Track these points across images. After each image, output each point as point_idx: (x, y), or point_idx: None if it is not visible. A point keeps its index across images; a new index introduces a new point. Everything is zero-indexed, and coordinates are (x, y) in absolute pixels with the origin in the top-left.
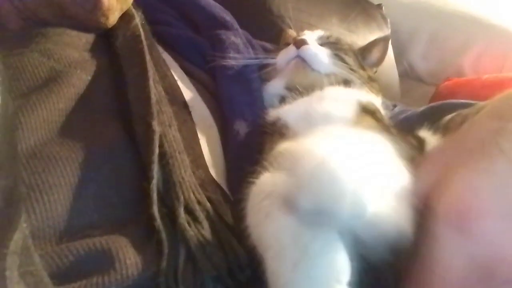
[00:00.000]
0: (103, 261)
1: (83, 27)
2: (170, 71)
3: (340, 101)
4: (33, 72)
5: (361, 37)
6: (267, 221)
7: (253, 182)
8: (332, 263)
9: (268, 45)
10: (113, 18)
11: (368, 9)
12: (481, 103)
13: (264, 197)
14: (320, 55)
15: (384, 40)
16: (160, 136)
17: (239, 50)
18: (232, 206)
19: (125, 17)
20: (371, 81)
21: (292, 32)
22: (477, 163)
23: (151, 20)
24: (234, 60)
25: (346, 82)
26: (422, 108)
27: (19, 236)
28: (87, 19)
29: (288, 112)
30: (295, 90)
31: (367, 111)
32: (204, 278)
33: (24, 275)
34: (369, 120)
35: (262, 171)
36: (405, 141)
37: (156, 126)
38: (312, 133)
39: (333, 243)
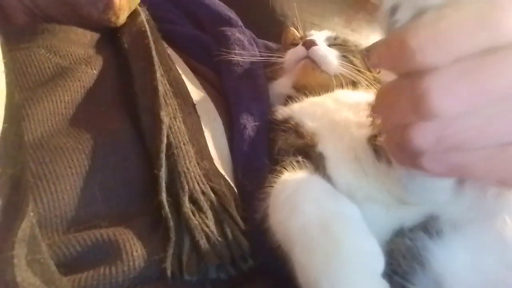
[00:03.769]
0: (110, 252)
1: (93, 27)
2: (175, 65)
3: (355, 105)
4: (39, 68)
5: (364, 36)
6: (293, 215)
7: (273, 182)
8: (365, 252)
9: (271, 44)
10: (123, 17)
11: (371, 9)
12: None
13: (289, 194)
14: (329, 56)
15: None
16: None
17: (244, 46)
18: (239, 197)
19: (131, 13)
20: (376, 83)
21: (294, 31)
22: None
23: (155, 18)
24: (240, 56)
25: (353, 83)
26: None
27: (27, 225)
28: (99, 19)
29: (302, 112)
30: (304, 90)
31: None
32: (207, 267)
33: (31, 263)
34: None
35: (282, 171)
36: None
37: (164, 117)
38: None
39: (365, 232)
